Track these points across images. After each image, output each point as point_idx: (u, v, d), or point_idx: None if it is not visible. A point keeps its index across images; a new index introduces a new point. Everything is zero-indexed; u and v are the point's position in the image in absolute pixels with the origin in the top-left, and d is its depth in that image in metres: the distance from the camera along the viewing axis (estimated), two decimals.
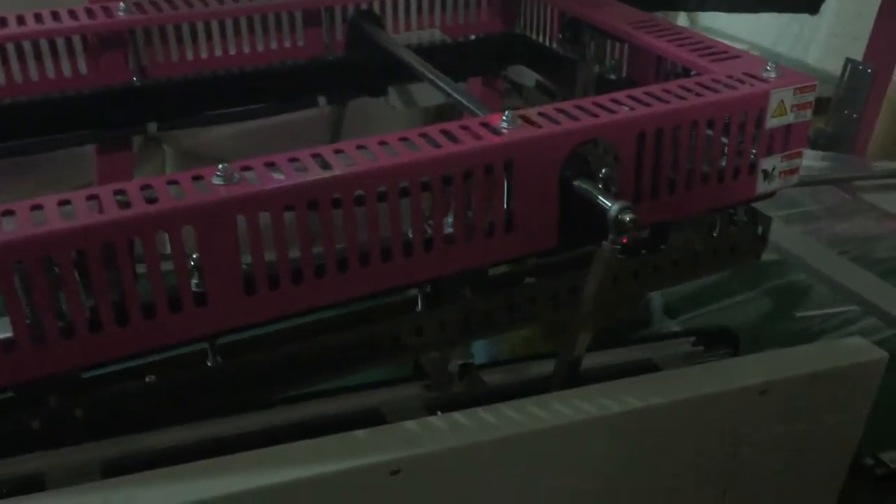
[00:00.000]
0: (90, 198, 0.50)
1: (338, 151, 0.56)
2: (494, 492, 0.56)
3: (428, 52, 0.89)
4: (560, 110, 0.60)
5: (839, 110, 1.30)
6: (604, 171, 0.59)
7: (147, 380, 0.56)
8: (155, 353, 0.55)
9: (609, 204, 0.55)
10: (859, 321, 0.97)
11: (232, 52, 0.88)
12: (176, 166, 1.36)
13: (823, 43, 1.95)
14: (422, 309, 0.62)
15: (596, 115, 0.59)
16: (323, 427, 0.55)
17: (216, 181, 0.52)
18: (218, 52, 0.87)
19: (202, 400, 0.57)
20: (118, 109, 0.83)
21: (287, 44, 0.90)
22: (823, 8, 1.17)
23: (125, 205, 0.50)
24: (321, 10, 0.89)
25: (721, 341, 0.73)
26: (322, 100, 0.92)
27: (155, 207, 0.50)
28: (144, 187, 0.52)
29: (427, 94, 1.01)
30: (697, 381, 0.61)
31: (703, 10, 1.27)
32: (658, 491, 0.63)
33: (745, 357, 0.65)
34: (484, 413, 0.55)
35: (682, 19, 1.90)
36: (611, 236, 0.56)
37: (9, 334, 0.48)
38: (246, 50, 0.88)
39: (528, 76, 1.03)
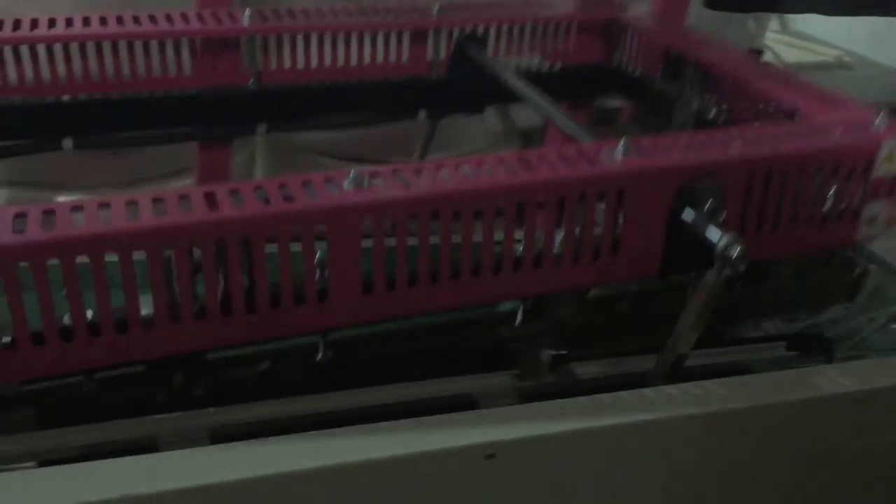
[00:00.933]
0: (232, 192, 0.54)
1: (459, 166, 0.58)
2: (584, 481, 0.57)
3: (525, 76, 0.92)
4: (673, 143, 0.62)
5: None
6: (708, 204, 0.61)
7: (261, 367, 0.59)
8: (271, 342, 0.58)
9: (717, 236, 0.57)
10: None
11: (341, 63, 0.92)
12: (266, 156, 1.41)
13: None
14: (520, 322, 0.64)
15: (709, 150, 0.61)
16: (416, 410, 0.57)
17: (347, 186, 0.55)
18: (328, 63, 0.91)
19: (310, 390, 0.60)
20: (233, 109, 0.87)
21: (393, 60, 0.93)
22: None
23: (265, 201, 0.53)
24: (429, 31, 0.93)
25: (814, 347, 0.72)
26: (422, 114, 0.95)
27: (292, 206, 0.53)
28: (281, 186, 0.55)
29: (522, 116, 1.03)
30: (792, 386, 0.61)
31: (803, 11, 1.23)
32: (743, 496, 0.63)
33: (843, 364, 0.64)
34: (579, 402, 0.56)
35: (773, 25, 1.82)
36: (716, 268, 0.57)
37: (149, 311, 0.52)
38: (354, 62, 0.92)
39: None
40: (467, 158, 0.59)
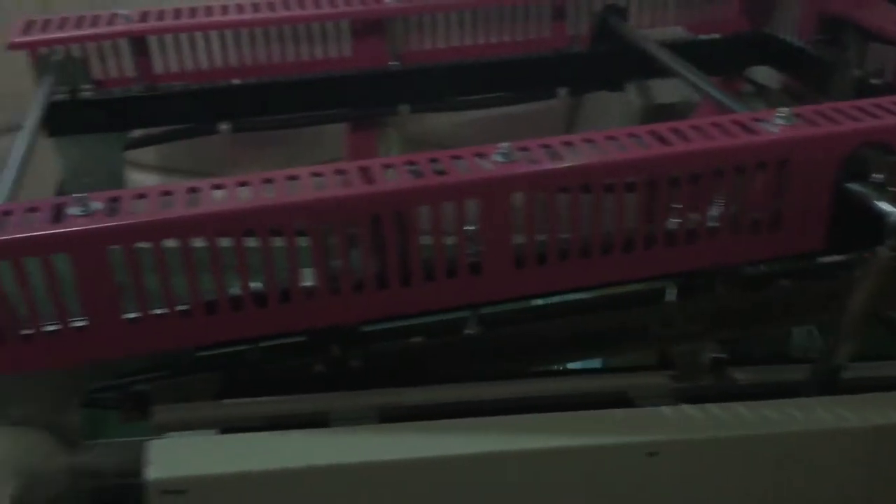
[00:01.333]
0: (386, 166, 0.55)
1: (610, 138, 0.57)
2: (741, 486, 0.56)
3: (669, 48, 0.89)
4: (838, 110, 0.59)
5: None
6: (878, 175, 0.57)
7: (413, 340, 0.61)
8: (422, 316, 0.59)
9: (889, 209, 0.54)
10: None
11: (481, 41, 0.92)
12: (401, 150, 1.44)
13: None
14: (673, 300, 0.62)
15: (879, 118, 0.57)
16: (571, 404, 0.57)
17: (497, 158, 0.55)
18: (468, 42, 0.92)
19: (460, 365, 0.61)
20: (379, 90, 0.89)
21: (533, 36, 0.93)
22: None
23: (418, 174, 0.54)
24: (568, 4, 0.92)
25: None
26: (562, 92, 0.94)
27: (445, 179, 0.53)
28: (433, 160, 0.55)
29: (665, 90, 1.00)
30: None
31: None
32: None
33: None
34: (742, 408, 0.55)
35: None
36: (889, 243, 0.54)
37: (310, 283, 0.53)
38: (493, 40, 0.92)
39: (765, 76, 1.00)
40: (616, 130, 0.58)
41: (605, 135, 0.58)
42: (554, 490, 0.54)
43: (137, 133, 0.88)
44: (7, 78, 1.09)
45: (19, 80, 0.83)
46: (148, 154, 1.08)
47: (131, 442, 0.55)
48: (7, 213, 0.50)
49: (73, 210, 0.49)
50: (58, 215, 0.49)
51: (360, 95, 0.89)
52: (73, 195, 0.50)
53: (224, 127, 0.86)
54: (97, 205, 0.50)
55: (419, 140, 1.36)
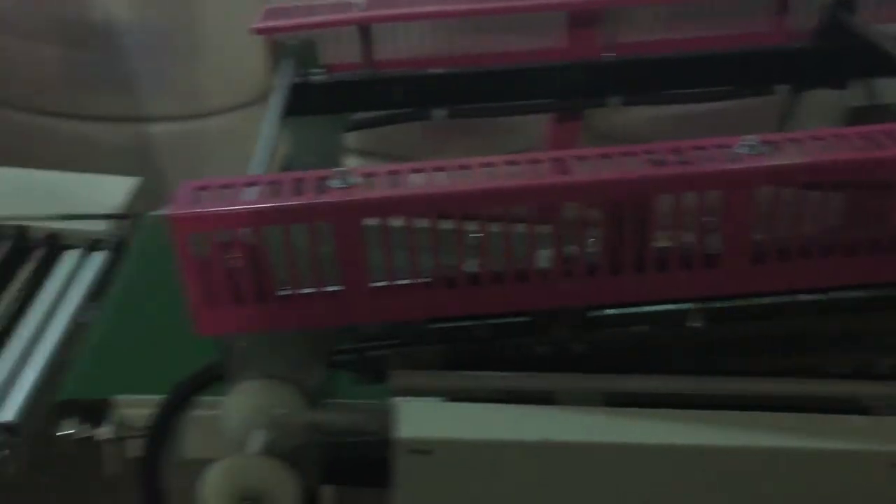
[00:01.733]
0: (625, 154, 0.55)
1: (863, 136, 0.55)
2: None
3: None
4: None
5: None
6: None
7: (637, 328, 0.61)
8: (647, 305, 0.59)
9: None
10: None
11: (689, 35, 0.90)
12: (589, 144, 1.43)
13: None
14: None
15: None
16: (802, 407, 0.56)
17: (742, 150, 0.54)
18: (678, 35, 0.90)
19: (681, 357, 0.61)
20: (588, 82, 0.89)
21: (752, 29, 0.90)
22: None
23: (659, 163, 0.54)
24: None
25: None
26: (781, 88, 0.91)
27: (688, 169, 0.53)
28: (674, 150, 0.55)
29: (888, 90, 0.95)
30: None
31: None
32: None
33: None
34: None
35: None
36: None
37: (545, 265, 0.55)
38: (710, 33, 0.90)
39: None
40: (872, 127, 0.55)
41: (857, 132, 0.55)
42: (782, 491, 0.52)
43: (358, 116, 0.92)
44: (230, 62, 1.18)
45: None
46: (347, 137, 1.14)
47: (365, 404, 0.58)
48: (275, 182, 0.54)
49: (334, 182, 0.53)
50: (321, 187, 0.53)
51: (573, 86, 0.89)
52: (335, 169, 0.54)
53: (439, 113, 0.89)
54: (356, 179, 0.53)
55: (607, 135, 1.36)
